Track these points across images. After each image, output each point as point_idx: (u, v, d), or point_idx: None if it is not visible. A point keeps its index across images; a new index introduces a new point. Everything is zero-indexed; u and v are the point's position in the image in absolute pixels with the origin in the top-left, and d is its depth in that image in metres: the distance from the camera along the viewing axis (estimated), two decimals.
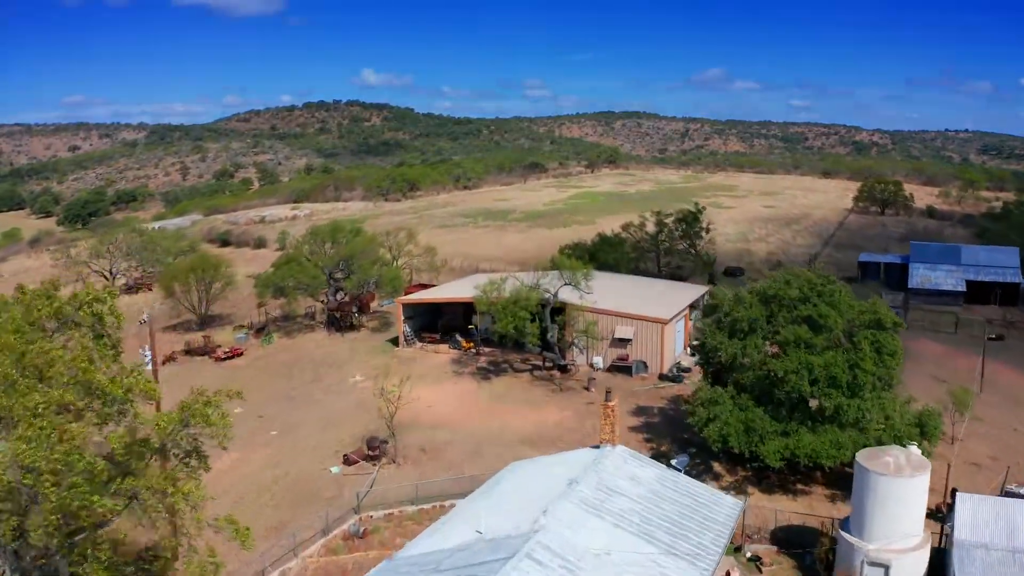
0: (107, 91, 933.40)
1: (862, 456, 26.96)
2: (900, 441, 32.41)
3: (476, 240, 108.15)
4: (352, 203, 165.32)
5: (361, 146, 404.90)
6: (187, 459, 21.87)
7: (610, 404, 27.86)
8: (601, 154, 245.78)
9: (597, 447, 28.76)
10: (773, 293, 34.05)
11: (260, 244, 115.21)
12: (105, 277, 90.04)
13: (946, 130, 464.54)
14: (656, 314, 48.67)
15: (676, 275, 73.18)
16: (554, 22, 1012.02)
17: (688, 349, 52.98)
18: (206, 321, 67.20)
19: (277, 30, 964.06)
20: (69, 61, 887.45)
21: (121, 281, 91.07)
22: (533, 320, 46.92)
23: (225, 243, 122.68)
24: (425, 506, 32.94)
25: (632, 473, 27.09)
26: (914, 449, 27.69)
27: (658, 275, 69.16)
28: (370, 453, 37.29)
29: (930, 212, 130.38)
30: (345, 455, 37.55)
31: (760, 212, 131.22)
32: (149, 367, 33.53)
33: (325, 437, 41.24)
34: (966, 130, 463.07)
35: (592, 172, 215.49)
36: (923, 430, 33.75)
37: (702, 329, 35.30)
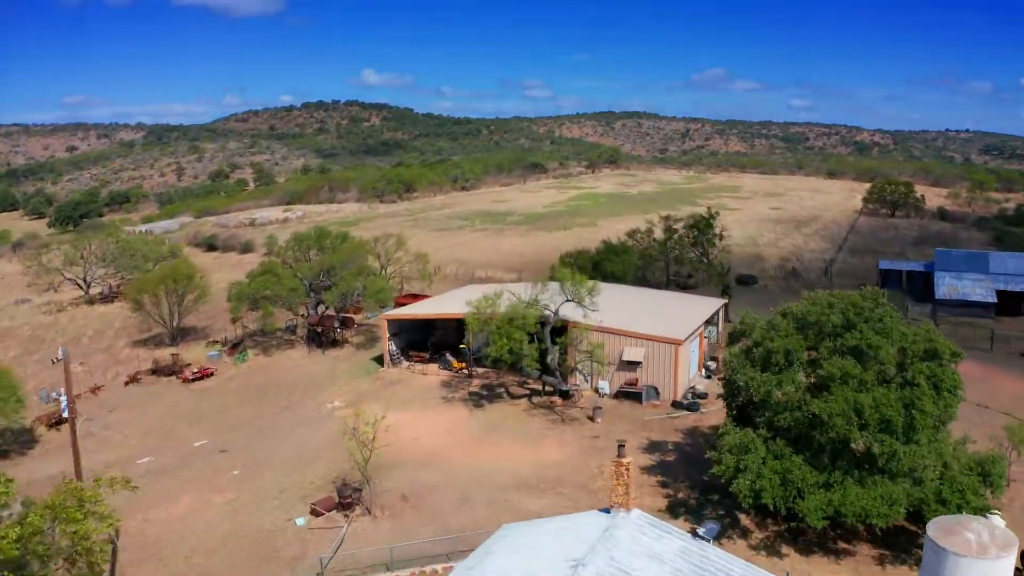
0: (107, 91, 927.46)
1: (935, 531, 21.90)
2: (963, 495, 27.54)
3: (473, 244, 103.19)
4: (346, 205, 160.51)
5: (360, 146, 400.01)
6: (71, 567, 16.77)
7: (624, 461, 22.79)
8: (602, 154, 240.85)
9: (607, 511, 23.72)
10: (814, 319, 28.95)
11: (247, 248, 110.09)
12: (79, 286, 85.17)
13: (947, 130, 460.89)
14: (669, 333, 43.54)
15: (685, 285, 68.15)
16: (554, 22, 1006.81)
17: (703, 371, 47.94)
18: (178, 335, 62.19)
19: (277, 30, 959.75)
20: (69, 61, 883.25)
21: (96, 289, 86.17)
22: (531, 341, 41.84)
23: (211, 247, 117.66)
24: (402, 572, 27.85)
25: (651, 548, 22.04)
26: (996, 520, 22.73)
27: (666, 286, 63.88)
28: (341, 502, 32.22)
29: (942, 214, 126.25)
30: (312, 505, 32.47)
31: (767, 214, 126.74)
32: (66, 413, 28.24)
33: (293, 478, 36.17)
34: (967, 130, 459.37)
35: (593, 173, 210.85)
36: (986, 478, 28.83)
37: (730, 362, 30.24)
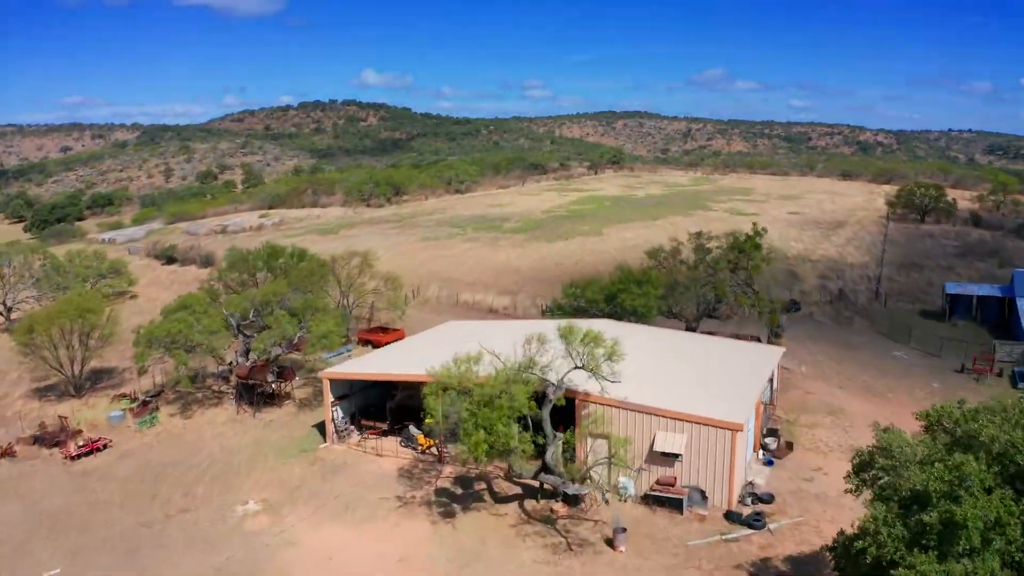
0: (106, 92, 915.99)
1: None
2: None
3: (462, 257, 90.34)
4: (330, 209, 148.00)
5: (357, 146, 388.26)
6: None
7: None
8: (604, 155, 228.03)
9: None
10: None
11: (208, 262, 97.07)
12: None
13: (950, 130, 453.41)
14: (723, 413, 30.28)
15: (712, 318, 54.91)
16: (554, 22, 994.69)
17: (760, 452, 34.98)
18: (83, 385, 49.17)
19: (277, 30, 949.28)
20: (68, 61, 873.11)
21: (17, 314, 73.26)
22: (524, 427, 28.98)
23: (171, 259, 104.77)
24: None
25: None
26: None
27: (698, 321, 50.50)
28: None
29: (975, 220, 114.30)
30: None
31: (787, 219, 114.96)
32: None
33: None
34: (969, 130, 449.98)
35: (595, 174, 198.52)
36: None
37: (875, 533, 17.20)
